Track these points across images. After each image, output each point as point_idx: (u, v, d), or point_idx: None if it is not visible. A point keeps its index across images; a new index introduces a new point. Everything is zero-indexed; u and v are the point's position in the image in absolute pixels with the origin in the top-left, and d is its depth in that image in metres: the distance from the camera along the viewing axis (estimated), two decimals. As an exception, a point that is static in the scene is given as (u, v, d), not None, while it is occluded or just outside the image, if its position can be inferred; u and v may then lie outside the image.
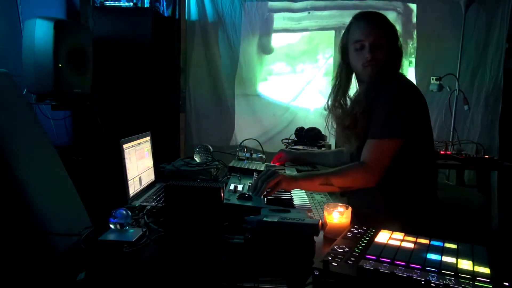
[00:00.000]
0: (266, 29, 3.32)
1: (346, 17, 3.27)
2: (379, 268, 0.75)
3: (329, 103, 1.51)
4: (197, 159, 1.83)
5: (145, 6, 3.12)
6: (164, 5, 3.22)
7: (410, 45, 3.26)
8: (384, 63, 1.34)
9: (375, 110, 1.31)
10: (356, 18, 1.41)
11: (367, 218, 1.23)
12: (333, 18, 3.30)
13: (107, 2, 2.88)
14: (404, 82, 1.39)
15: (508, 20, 3.09)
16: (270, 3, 3.28)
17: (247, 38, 3.31)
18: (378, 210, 1.35)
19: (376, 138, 1.28)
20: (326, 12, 3.28)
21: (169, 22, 3.22)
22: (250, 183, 1.38)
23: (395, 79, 1.36)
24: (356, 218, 1.11)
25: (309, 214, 1.10)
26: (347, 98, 1.48)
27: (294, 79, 3.42)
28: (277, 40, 3.40)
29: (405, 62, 1.59)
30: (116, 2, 2.88)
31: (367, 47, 1.33)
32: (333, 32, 3.35)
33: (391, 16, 3.25)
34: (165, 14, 3.22)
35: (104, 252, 0.95)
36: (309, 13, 3.27)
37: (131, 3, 2.87)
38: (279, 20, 3.33)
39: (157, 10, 3.13)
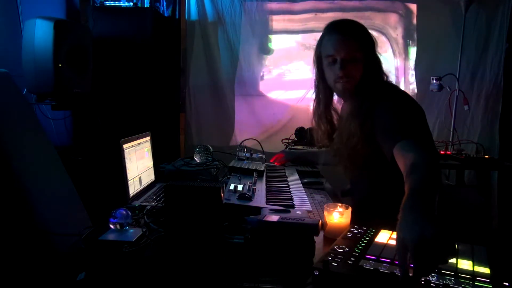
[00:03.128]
0: (265, 30, 3.31)
1: (350, 18, 3.26)
2: (379, 268, 0.75)
3: (315, 119, 1.47)
4: (197, 159, 1.83)
5: (145, 6, 3.12)
6: (164, 5, 3.22)
7: (412, 47, 3.27)
8: (358, 78, 1.29)
9: (380, 127, 1.22)
10: (328, 30, 1.34)
11: (368, 218, 1.22)
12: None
13: (107, 2, 2.88)
14: (402, 91, 1.37)
15: (508, 20, 3.08)
16: (273, 5, 3.28)
17: (247, 38, 3.31)
18: (380, 210, 1.34)
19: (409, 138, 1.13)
20: (330, 14, 3.28)
21: (169, 22, 3.22)
22: (250, 183, 1.38)
23: (391, 90, 1.32)
24: (356, 218, 1.11)
25: (309, 214, 1.10)
26: (332, 112, 1.45)
27: (298, 79, 3.40)
28: (280, 41, 3.39)
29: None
30: (116, 2, 2.88)
31: (338, 62, 1.28)
32: None
33: (393, 18, 3.26)
34: (165, 14, 3.22)
35: (104, 252, 0.95)
36: (315, 14, 3.27)
37: (131, 3, 2.87)
38: (283, 22, 3.32)
39: (157, 10, 3.13)
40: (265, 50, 3.36)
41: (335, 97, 1.46)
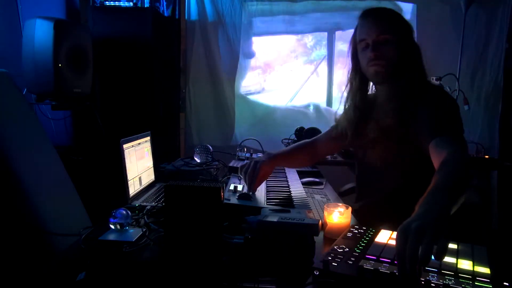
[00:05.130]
0: (246, 33, 3.33)
1: (338, 18, 3.28)
2: (379, 268, 0.75)
3: (345, 107, 1.43)
4: (197, 159, 1.83)
5: (145, 6, 3.12)
6: (164, 5, 3.22)
7: None
8: (391, 61, 1.26)
9: (417, 121, 1.21)
10: (360, 16, 1.33)
11: (374, 218, 1.20)
12: (325, 20, 3.31)
13: (107, 2, 2.88)
14: (437, 86, 1.35)
15: (508, 20, 3.08)
16: (258, 7, 3.28)
17: (247, 38, 3.31)
18: (389, 211, 1.30)
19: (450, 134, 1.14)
20: (318, 14, 3.29)
21: (169, 22, 3.22)
22: None
23: (431, 86, 1.29)
24: (360, 218, 1.09)
25: (309, 214, 1.09)
26: (363, 102, 1.39)
27: (288, 80, 3.45)
28: (270, 42, 3.42)
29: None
30: (116, 2, 2.88)
31: (370, 45, 1.27)
32: (325, 33, 3.38)
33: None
34: (165, 14, 3.22)
35: (104, 252, 0.95)
36: (302, 15, 3.28)
37: (131, 3, 2.87)
38: (273, 23, 3.33)
39: (157, 10, 3.13)
40: (251, 52, 3.38)
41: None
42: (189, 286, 0.81)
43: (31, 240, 1.43)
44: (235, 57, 3.29)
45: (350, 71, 1.40)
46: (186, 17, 3.25)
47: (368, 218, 1.29)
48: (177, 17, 3.25)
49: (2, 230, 1.44)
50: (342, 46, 3.32)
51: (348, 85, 1.41)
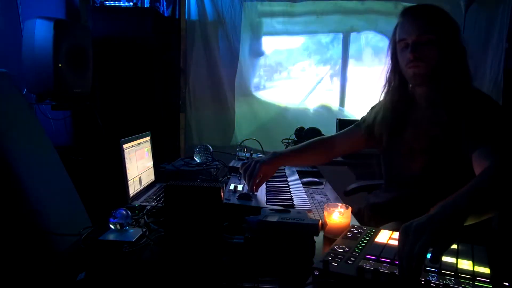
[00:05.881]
0: (257, 32, 3.32)
1: (353, 21, 3.26)
2: (379, 268, 0.75)
3: (382, 106, 1.37)
4: (197, 159, 1.83)
5: (145, 6, 3.12)
6: (164, 5, 3.22)
7: None
8: (432, 63, 1.19)
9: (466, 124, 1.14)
10: (401, 14, 1.25)
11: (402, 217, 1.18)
12: (341, 22, 3.29)
13: (107, 2, 2.88)
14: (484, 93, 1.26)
15: (508, 20, 3.08)
16: (276, 8, 3.28)
17: (247, 38, 3.31)
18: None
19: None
20: (335, 16, 3.28)
21: (169, 22, 3.22)
22: None
23: (476, 94, 1.22)
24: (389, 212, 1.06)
25: (309, 214, 1.09)
26: (401, 104, 1.33)
27: (299, 81, 3.43)
28: (282, 42, 3.41)
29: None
30: (116, 2, 2.88)
31: (409, 46, 1.20)
32: (341, 34, 3.35)
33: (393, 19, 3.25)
34: (165, 14, 3.22)
35: (104, 252, 0.95)
36: (317, 17, 3.27)
37: (131, 3, 2.88)
38: (283, 24, 3.33)
39: (157, 10, 3.13)
40: (260, 51, 3.38)
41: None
42: (189, 286, 0.81)
43: (31, 240, 1.43)
44: (235, 57, 3.29)
45: (388, 71, 1.34)
46: (186, 17, 3.25)
47: (395, 215, 1.27)
48: (177, 17, 3.25)
49: (2, 230, 1.44)
50: (357, 47, 3.25)
51: (386, 85, 1.35)
